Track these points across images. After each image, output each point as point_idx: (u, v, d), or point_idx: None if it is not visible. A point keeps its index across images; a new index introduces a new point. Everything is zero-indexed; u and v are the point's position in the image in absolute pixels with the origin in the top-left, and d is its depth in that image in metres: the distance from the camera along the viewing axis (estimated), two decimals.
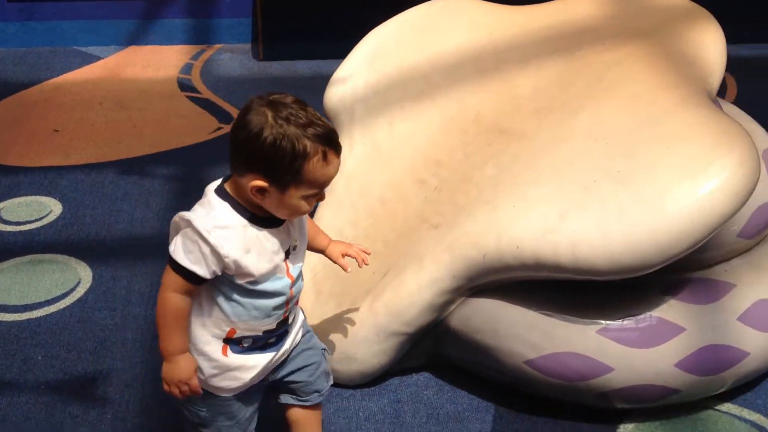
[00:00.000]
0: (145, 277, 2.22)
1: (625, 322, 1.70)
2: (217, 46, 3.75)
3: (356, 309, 1.83)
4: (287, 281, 1.38)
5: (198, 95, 3.25)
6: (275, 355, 1.45)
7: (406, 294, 1.76)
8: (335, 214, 1.98)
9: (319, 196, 1.34)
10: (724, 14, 3.87)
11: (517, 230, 1.65)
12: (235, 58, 3.61)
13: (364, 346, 1.80)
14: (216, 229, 1.29)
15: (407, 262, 1.80)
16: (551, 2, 2.14)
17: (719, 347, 1.71)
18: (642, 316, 1.70)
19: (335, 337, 1.83)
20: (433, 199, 1.88)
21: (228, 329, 1.38)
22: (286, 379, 1.52)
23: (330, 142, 1.31)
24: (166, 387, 1.36)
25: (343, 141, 2.07)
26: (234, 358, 1.40)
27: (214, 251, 1.28)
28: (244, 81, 3.35)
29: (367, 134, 2.04)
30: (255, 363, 1.42)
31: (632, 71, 1.84)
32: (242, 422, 1.48)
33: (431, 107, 1.99)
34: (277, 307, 1.39)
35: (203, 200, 1.35)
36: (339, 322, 1.84)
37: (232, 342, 1.39)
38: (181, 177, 2.69)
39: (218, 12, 3.77)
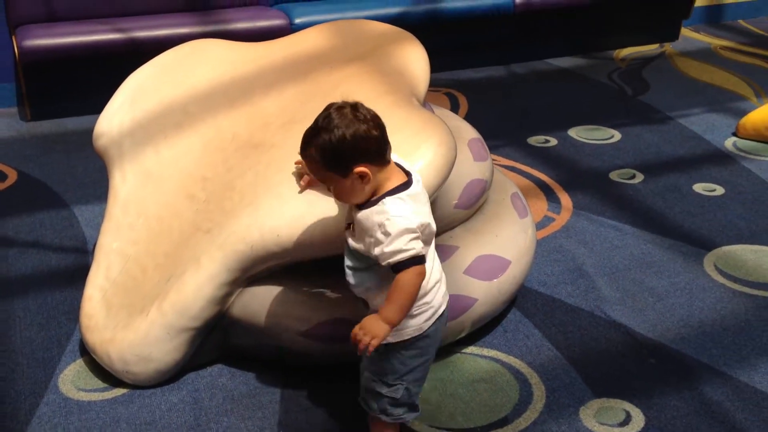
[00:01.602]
0: None
1: None
2: None
3: (146, 314, 2.04)
4: None
5: None
6: None
7: (190, 292, 2.01)
8: (115, 237, 2.19)
9: None
10: (449, 45, 4.44)
11: (276, 221, 1.96)
12: (1, 121, 3.67)
13: (157, 345, 2.02)
14: None
15: (186, 265, 2.05)
16: (284, 38, 2.51)
17: (452, 297, 2.10)
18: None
19: (130, 343, 2.03)
20: (203, 209, 2.15)
21: None
22: None
23: None
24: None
25: (116, 173, 2.30)
26: None
27: None
28: (13, 141, 3.43)
29: (137, 163, 2.28)
30: None
31: (356, 85, 2.24)
32: None
33: (191, 133, 2.27)
34: None
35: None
36: (132, 329, 2.04)
37: None
38: None
39: None
